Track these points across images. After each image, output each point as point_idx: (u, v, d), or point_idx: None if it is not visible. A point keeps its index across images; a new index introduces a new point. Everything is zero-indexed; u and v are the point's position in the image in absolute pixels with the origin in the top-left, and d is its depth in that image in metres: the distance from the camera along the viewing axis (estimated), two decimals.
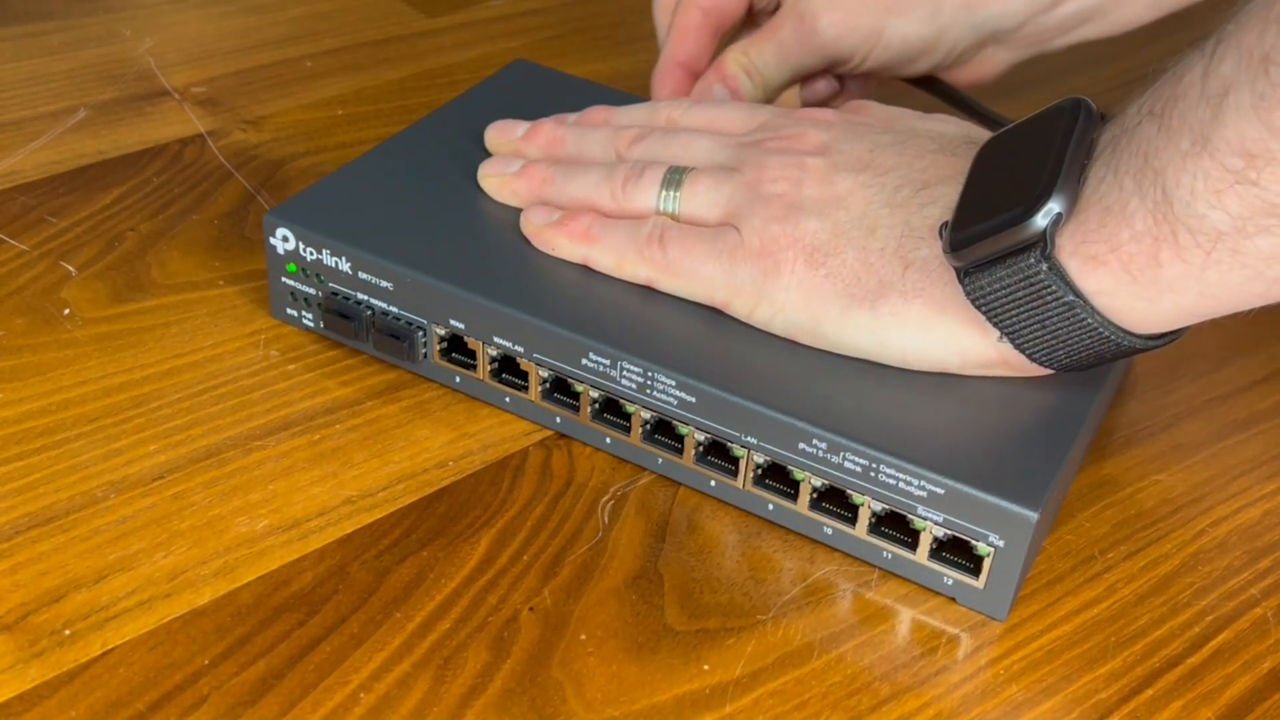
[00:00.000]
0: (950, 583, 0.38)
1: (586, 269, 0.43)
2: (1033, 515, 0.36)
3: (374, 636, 0.36)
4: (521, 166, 0.46)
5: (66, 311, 0.46)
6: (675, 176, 0.43)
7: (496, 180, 0.46)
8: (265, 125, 0.58)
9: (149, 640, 0.35)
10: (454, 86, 0.62)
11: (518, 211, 0.45)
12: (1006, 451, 0.38)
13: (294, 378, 0.44)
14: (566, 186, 0.45)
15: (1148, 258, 0.35)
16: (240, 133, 0.57)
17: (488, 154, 0.47)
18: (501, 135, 0.48)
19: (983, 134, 0.42)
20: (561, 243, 0.43)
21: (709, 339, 0.41)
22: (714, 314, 0.42)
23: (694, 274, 0.41)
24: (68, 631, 0.35)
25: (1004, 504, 0.36)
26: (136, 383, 0.43)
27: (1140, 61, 0.69)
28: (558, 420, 0.42)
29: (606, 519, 0.40)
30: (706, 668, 0.36)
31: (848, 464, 0.38)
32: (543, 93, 0.52)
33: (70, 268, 0.48)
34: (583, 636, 0.36)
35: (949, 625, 0.38)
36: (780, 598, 0.38)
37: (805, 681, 0.36)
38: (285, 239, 0.44)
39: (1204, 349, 0.48)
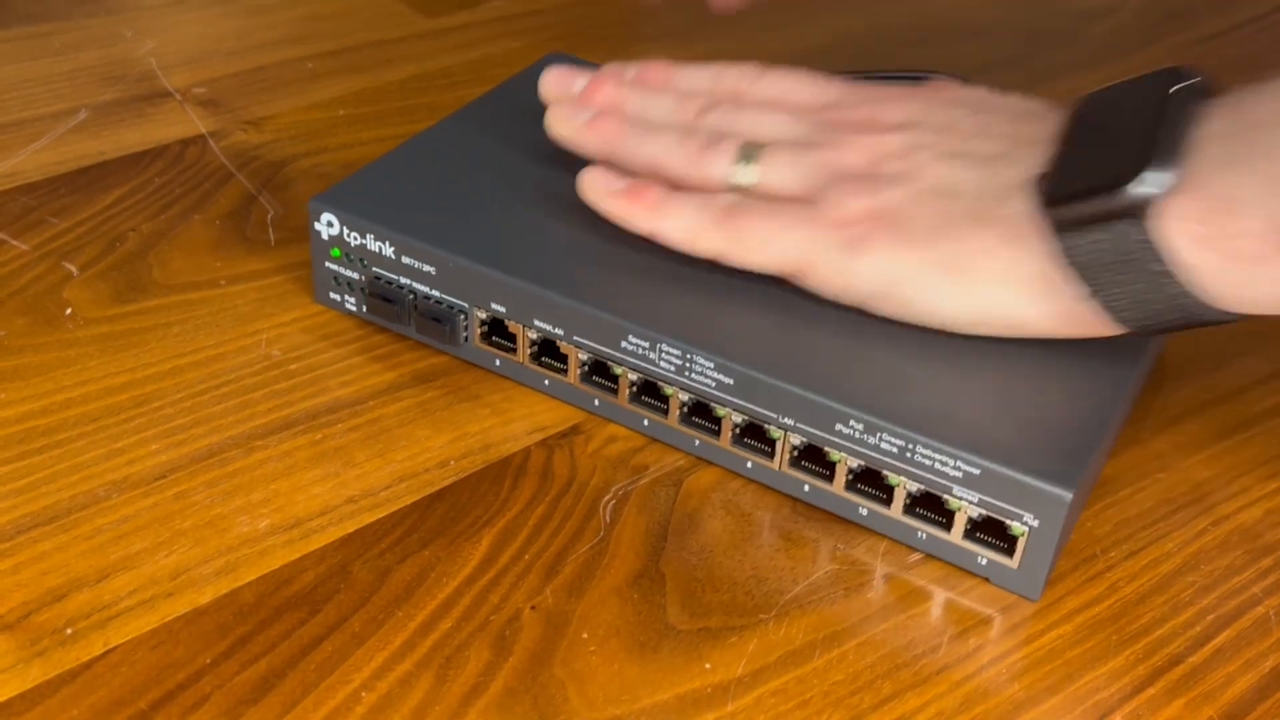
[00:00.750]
0: (984, 563, 0.38)
1: (627, 252, 0.43)
2: (1067, 495, 0.36)
3: (376, 635, 0.36)
4: (594, 117, 0.45)
5: (68, 312, 0.46)
6: (751, 150, 0.43)
7: (568, 127, 0.45)
8: (266, 126, 0.58)
9: (151, 639, 0.35)
10: (455, 88, 0.62)
11: (556, 199, 0.45)
12: (1042, 432, 0.38)
13: (295, 377, 0.44)
14: (640, 147, 0.44)
15: (1256, 253, 0.35)
16: (241, 133, 0.57)
17: (525, 145, 0.48)
18: (559, 87, 0.47)
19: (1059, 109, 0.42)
20: (629, 213, 0.43)
21: (748, 321, 0.41)
22: (754, 295, 0.42)
23: (769, 246, 0.41)
24: (69, 631, 0.35)
25: (1038, 484, 0.36)
26: (138, 382, 0.44)
27: (1140, 61, 0.69)
28: (596, 403, 0.43)
29: (608, 518, 0.40)
30: (708, 666, 0.36)
31: (884, 445, 0.38)
32: None
33: (72, 268, 0.48)
34: (584, 635, 0.36)
35: (950, 624, 0.38)
36: (782, 597, 0.38)
37: (807, 680, 0.36)
38: (330, 224, 0.44)
39: (1204, 349, 0.48)
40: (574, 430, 0.43)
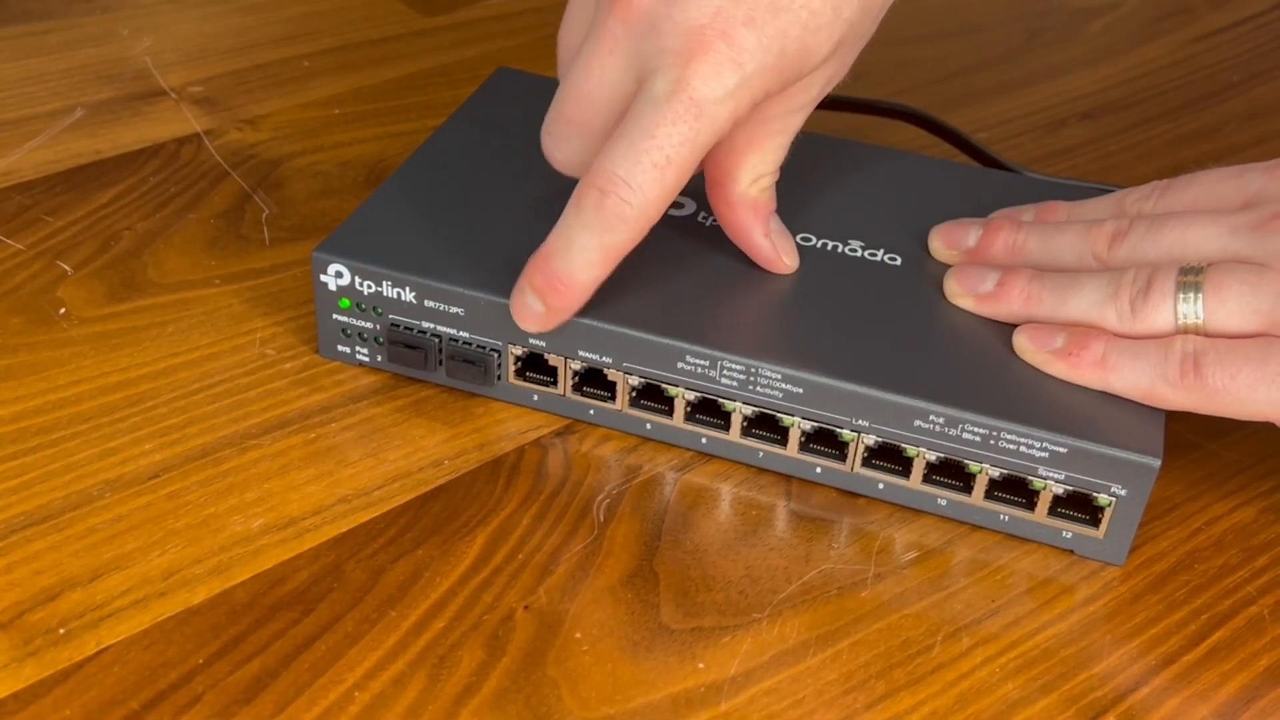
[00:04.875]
0: (1069, 536, 0.40)
1: (660, 266, 0.43)
2: (1155, 463, 0.38)
3: (369, 635, 0.36)
4: (997, 284, 0.42)
5: (62, 311, 0.46)
6: (1191, 279, 0.38)
7: (971, 300, 0.42)
8: (262, 124, 0.58)
9: (144, 639, 0.35)
10: (452, 86, 0.62)
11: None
12: (1113, 407, 0.39)
13: (289, 376, 0.44)
14: (1059, 308, 0.40)
15: None
16: (237, 132, 0.57)
17: (512, 164, 0.47)
18: (951, 242, 0.44)
19: None
20: (1073, 373, 0.39)
21: (806, 328, 0.41)
22: (802, 300, 0.42)
23: (1244, 401, 0.37)
24: (62, 630, 0.35)
25: (1128, 455, 0.38)
26: (132, 382, 0.43)
27: (1139, 60, 0.69)
28: (647, 426, 0.43)
29: (602, 517, 0.40)
30: (701, 666, 0.36)
31: (966, 435, 0.39)
32: (536, 99, 0.51)
33: (66, 267, 0.48)
34: (578, 635, 0.36)
35: (944, 624, 0.38)
36: (775, 596, 0.38)
37: (800, 679, 0.36)
38: (339, 275, 0.43)
39: None
40: (568, 429, 0.43)
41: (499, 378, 0.43)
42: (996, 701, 0.36)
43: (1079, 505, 0.40)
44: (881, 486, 0.41)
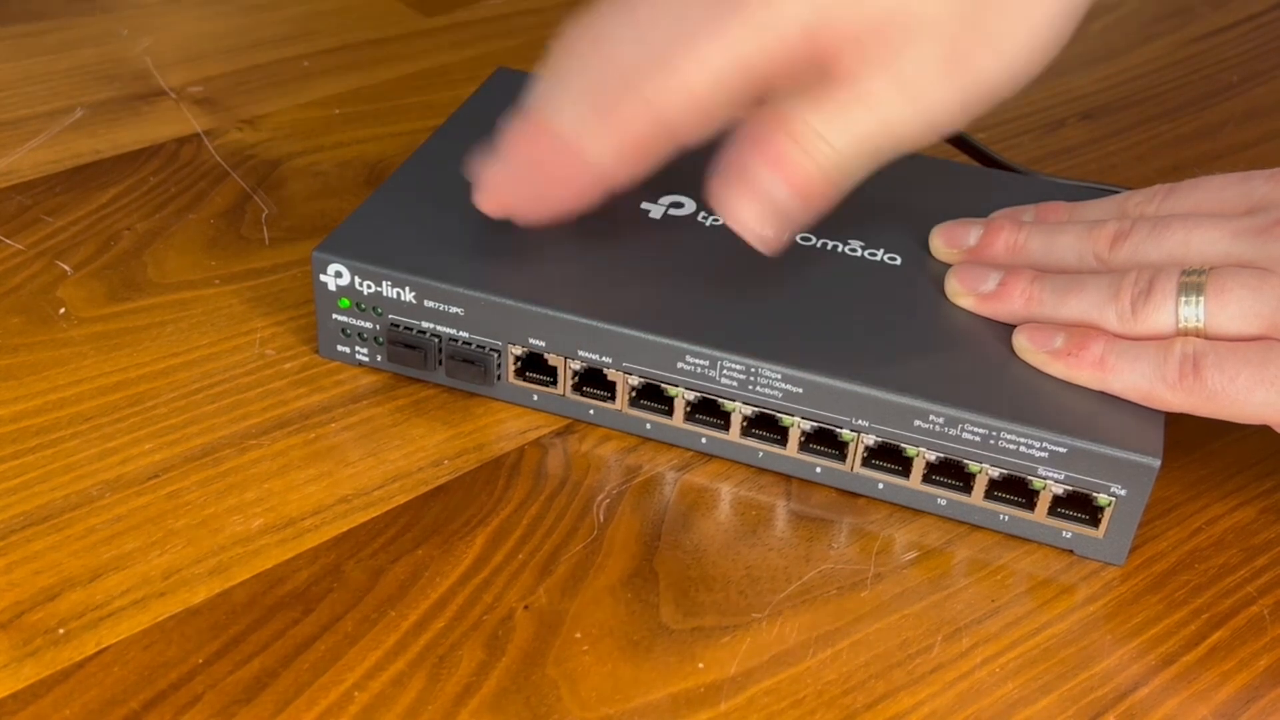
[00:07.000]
0: (1069, 536, 0.40)
1: (658, 265, 0.43)
2: (1155, 463, 0.38)
3: (369, 635, 0.36)
4: (999, 284, 0.42)
5: (62, 311, 0.46)
6: (1194, 281, 0.38)
7: (972, 299, 0.42)
8: (262, 125, 0.58)
9: (143, 639, 0.35)
10: (451, 86, 0.62)
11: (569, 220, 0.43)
12: (1112, 406, 0.39)
13: (289, 376, 0.44)
14: (1059, 308, 0.40)
15: None
16: (237, 132, 0.57)
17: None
18: (952, 241, 0.44)
19: None
20: (1072, 374, 0.40)
21: (806, 328, 0.41)
22: (804, 298, 0.42)
23: (1242, 403, 0.37)
24: (62, 630, 0.35)
25: (1128, 455, 0.38)
26: (132, 382, 0.44)
27: (1139, 60, 0.69)
28: (647, 426, 0.43)
29: (602, 517, 0.40)
30: (701, 666, 0.36)
31: (965, 435, 0.39)
32: None
33: (66, 267, 0.48)
34: (577, 635, 0.36)
35: (944, 623, 0.38)
36: (775, 596, 0.38)
37: (800, 679, 0.36)
38: (338, 274, 0.43)
39: None
40: (568, 429, 0.43)
41: (499, 378, 0.43)
42: (996, 701, 0.36)
43: (1079, 505, 0.40)
44: (881, 486, 0.41)
